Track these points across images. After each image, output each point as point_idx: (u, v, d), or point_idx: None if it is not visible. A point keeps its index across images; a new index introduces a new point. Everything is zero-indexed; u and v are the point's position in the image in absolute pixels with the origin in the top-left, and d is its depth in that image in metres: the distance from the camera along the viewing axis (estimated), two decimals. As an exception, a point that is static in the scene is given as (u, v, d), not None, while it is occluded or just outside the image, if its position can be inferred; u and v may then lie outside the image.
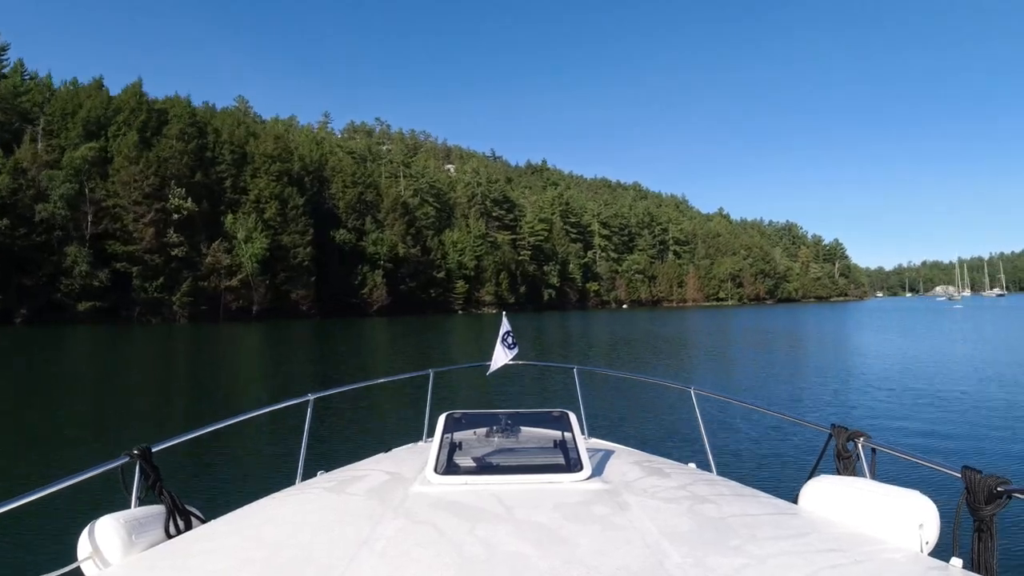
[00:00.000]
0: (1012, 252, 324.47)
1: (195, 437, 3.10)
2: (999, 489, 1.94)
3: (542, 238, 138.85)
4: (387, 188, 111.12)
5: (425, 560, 1.88)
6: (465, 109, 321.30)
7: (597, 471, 2.81)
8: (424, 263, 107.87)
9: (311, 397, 3.83)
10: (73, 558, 2.10)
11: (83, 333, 50.22)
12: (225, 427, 3.37)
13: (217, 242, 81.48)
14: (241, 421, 3.52)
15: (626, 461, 3.20)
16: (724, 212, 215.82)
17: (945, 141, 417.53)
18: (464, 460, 2.92)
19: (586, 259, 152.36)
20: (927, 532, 2.02)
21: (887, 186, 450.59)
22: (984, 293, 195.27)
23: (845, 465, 2.65)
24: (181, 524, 2.46)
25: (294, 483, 3.22)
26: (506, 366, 5.17)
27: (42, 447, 11.48)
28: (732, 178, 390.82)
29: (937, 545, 2.03)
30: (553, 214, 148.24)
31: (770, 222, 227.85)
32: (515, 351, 5.16)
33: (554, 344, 39.75)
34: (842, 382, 19.16)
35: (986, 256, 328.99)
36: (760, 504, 2.51)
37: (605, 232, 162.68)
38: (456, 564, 1.84)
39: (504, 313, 6.03)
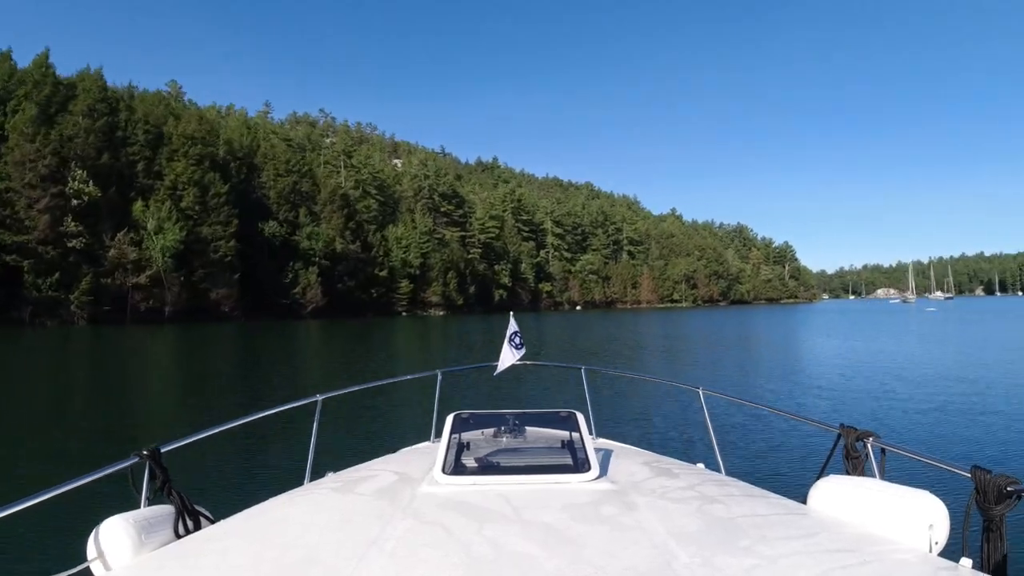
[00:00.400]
0: (951, 256, 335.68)
1: (204, 438, 3.09)
2: (1009, 489, 1.94)
3: (493, 236, 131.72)
4: (325, 178, 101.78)
5: (433, 560, 1.88)
6: (413, 105, 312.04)
7: (605, 471, 2.77)
8: (365, 260, 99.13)
9: (319, 398, 3.85)
10: (83, 558, 2.09)
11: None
12: (234, 428, 3.36)
13: (123, 232, 71.53)
14: (250, 422, 3.52)
15: (634, 461, 3.18)
16: (677, 213, 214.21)
17: (883, 147, 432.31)
18: (472, 460, 2.91)
19: (539, 258, 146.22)
20: (937, 532, 2.00)
21: (829, 190, 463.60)
22: (930, 296, 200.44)
23: (854, 465, 2.63)
24: (190, 524, 2.43)
25: (303, 483, 3.20)
26: (513, 366, 5.12)
27: None
28: (682, 180, 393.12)
29: (947, 545, 2.00)
30: (505, 211, 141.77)
31: (721, 224, 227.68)
32: (522, 351, 5.12)
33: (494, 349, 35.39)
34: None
35: (925, 260, 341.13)
36: (769, 504, 2.47)
37: (558, 231, 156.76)
38: (464, 564, 1.85)
39: (512, 313, 5.75)
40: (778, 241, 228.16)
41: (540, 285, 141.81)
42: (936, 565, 1.83)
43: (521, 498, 2.42)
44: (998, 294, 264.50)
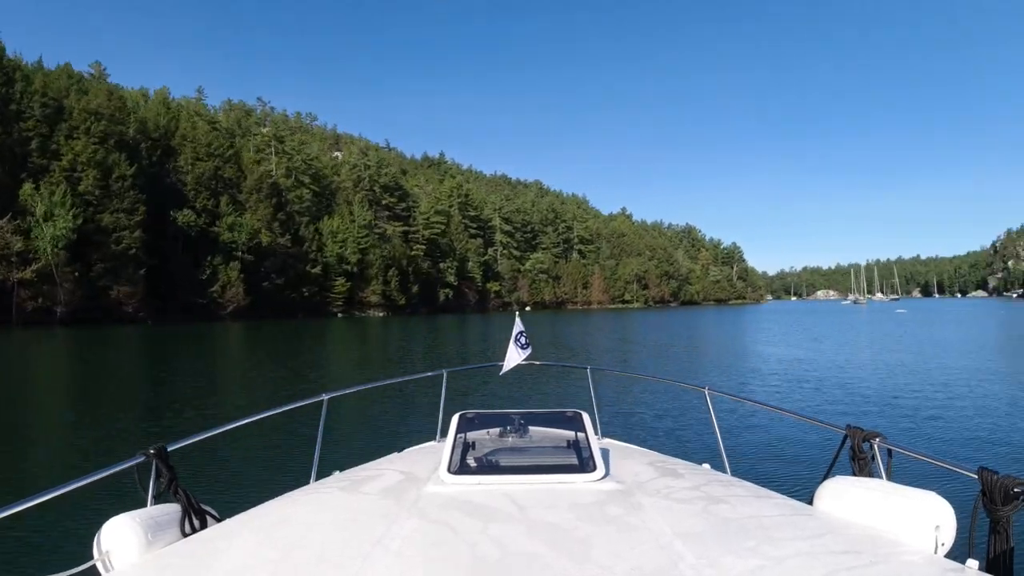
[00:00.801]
0: (888, 259, 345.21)
1: (210, 436, 3.09)
2: (1016, 490, 1.94)
3: (438, 232, 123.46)
4: (251, 164, 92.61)
5: (439, 560, 1.89)
6: (358, 99, 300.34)
7: (611, 471, 2.75)
8: (295, 255, 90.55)
9: (325, 397, 3.85)
10: (89, 556, 2.11)
11: None
12: (240, 427, 3.37)
13: (6, 219, 61.70)
14: (256, 421, 3.51)
15: (640, 461, 3.17)
16: (627, 212, 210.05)
17: (822, 152, 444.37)
18: (477, 460, 2.90)
19: (486, 256, 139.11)
20: (943, 533, 2.00)
21: (770, 193, 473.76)
22: (875, 297, 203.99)
23: (860, 466, 2.61)
24: (196, 523, 2.43)
25: (309, 482, 3.18)
26: (519, 366, 5.12)
27: None
28: (631, 180, 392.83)
29: (953, 546, 2.00)
30: (451, 206, 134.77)
31: (670, 224, 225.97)
32: (528, 351, 5.11)
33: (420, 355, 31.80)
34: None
35: (862, 262, 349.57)
36: (775, 505, 2.45)
37: (507, 228, 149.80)
38: (469, 564, 1.86)
39: (517, 313, 5.82)
40: (726, 242, 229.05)
41: (488, 285, 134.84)
42: (943, 566, 1.83)
43: (526, 498, 2.41)
44: (936, 296, 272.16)
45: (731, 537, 2.03)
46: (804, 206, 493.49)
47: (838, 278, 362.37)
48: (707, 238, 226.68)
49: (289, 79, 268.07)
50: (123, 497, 2.55)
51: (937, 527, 2.00)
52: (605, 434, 4.26)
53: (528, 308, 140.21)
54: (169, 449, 2.62)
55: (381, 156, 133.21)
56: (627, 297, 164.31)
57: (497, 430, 3.28)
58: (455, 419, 3.24)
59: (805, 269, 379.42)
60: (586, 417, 3.26)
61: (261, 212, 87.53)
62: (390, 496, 2.58)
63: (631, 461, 3.14)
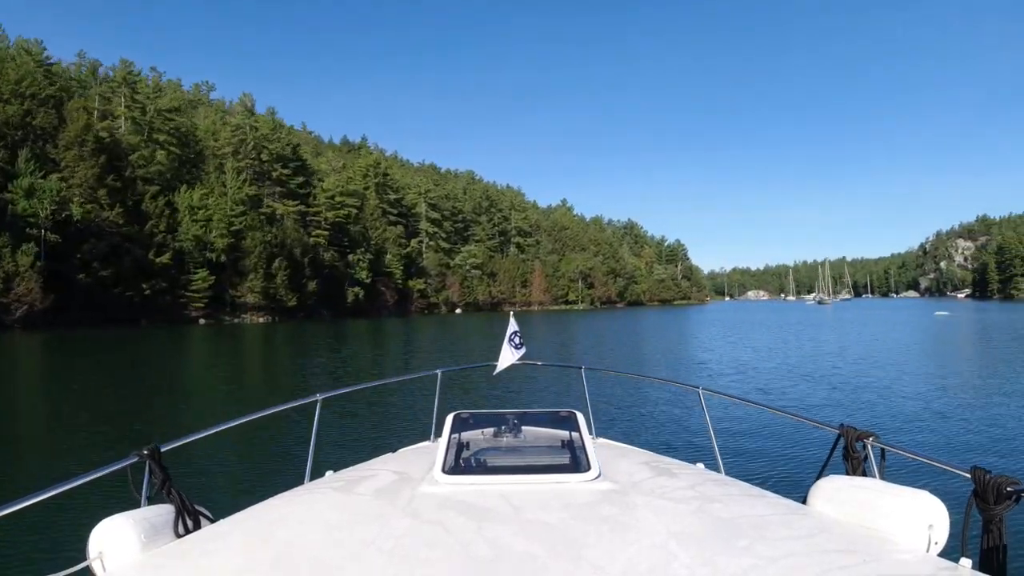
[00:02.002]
0: (816, 260, 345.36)
1: (204, 437, 3.06)
2: (1009, 489, 1.94)
3: (347, 216, 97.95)
4: (74, 110, 65.36)
5: (433, 560, 1.90)
6: (266, 79, 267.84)
7: (605, 471, 2.75)
8: (132, 237, 64.55)
9: (319, 397, 3.77)
10: (83, 557, 2.09)
11: None
12: (234, 427, 3.32)
13: None
14: (250, 421, 3.46)
15: (634, 461, 3.18)
16: (568, 204, 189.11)
17: (755, 152, 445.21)
18: (472, 460, 2.93)
19: (409, 249, 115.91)
20: (936, 532, 2.01)
21: (700, 193, 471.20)
22: (808, 298, 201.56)
23: (854, 465, 2.61)
24: (190, 524, 2.41)
25: (302, 483, 3.17)
26: (513, 366, 5.08)
27: None
28: (568, 171, 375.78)
29: (946, 545, 2.02)
30: (367, 187, 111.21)
31: (610, 220, 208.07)
32: (522, 351, 5.07)
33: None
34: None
35: (790, 264, 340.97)
36: (769, 504, 2.48)
37: (435, 215, 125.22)
38: (464, 564, 1.86)
39: (512, 313, 5.65)
40: (670, 239, 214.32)
41: (411, 282, 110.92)
42: (936, 565, 1.85)
43: (521, 498, 2.42)
44: (866, 296, 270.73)
45: (725, 536, 2.04)
46: (731, 207, 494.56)
47: (768, 279, 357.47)
48: (649, 235, 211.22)
49: (191, 54, 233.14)
50: (117, 498, 2.54)
51: (930, 526, 2.00)
52: (599, 434, 4.19)
53: (459, 309, 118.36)
54: (163, 449, 2.57)
55: (284, 129, 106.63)
56: (571, 297, 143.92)
57: (491, 430, 3.31)
58: (449, 419, 3.26)
59: (735, 270, 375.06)
60: (580, 417, 3.27)
61: (82, 175, 61.71)
62: (384, 496, 2.58)
63: (625, 461, 3.15)
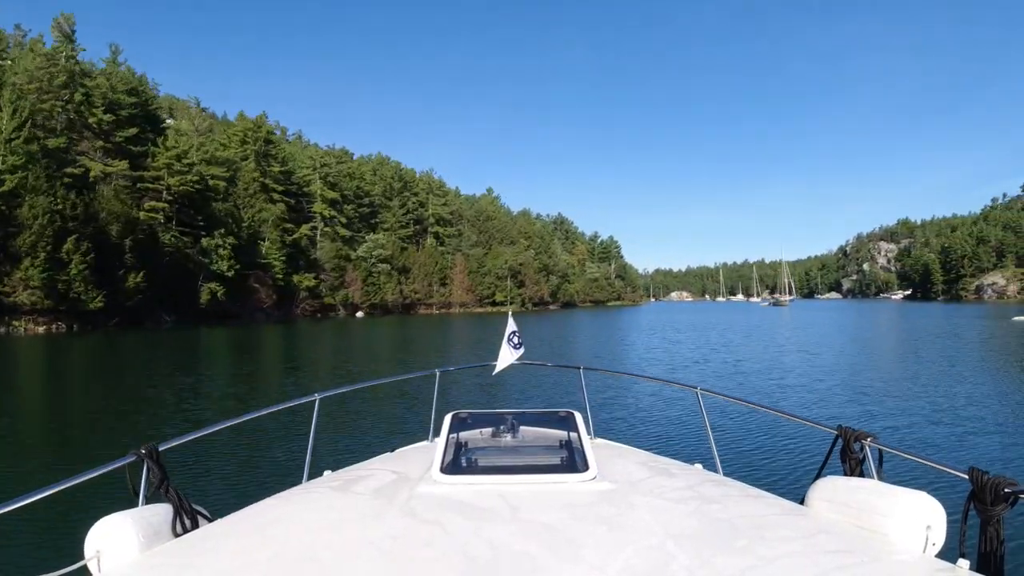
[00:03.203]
0: (735, 262, 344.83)
1: (202, 436, 3.05)
2: (1007, 490, 1.94)
3: (204, 186, 72.65)
4: None
5: (431, 560, 1.90)
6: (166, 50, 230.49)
7: (603, 471, 2.74)
8: None
9: (317, 397, 3.73)
10: (80, 556, 2.09)
11: None
12: (232, 426, 3.34)
13: None
14: (247, 420, 3.47)
15: (632, 461, 3.18)
16: (494, 194, 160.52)
17: (671, 155, 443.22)
18: (470, 460, 2.92)
19: (297, 235, 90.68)
20: (934, 533, 2.02)
21: (623, 191, 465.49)
22: (735, 298, 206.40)
23: (852, 466, 2.60)
24: (188, 523, 2.40)
25: (300, 482, 3.15)
26: (512, 366, 5.03)
27: None
28: (493, 159, 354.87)
29: (944, 546, 2.02)
30: (246, 154, 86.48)
31: (539, 215, 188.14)
32: (521, 351, 5.03)
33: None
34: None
35: (711, 265, 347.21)
36: (767, 505, 2.48)
37: (333, 195, 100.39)
38: (462, 564, 1.86)
39: (511, 313, 5.66)
40: (603, 235, 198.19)
41: (297, 277, 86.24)
42: (934, 566, 1.86)
43: (519, 498, 2.42)
44: (794, 298, 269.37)
45: (723, 537, 2.04)
46: (654, 207, 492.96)
47: (691, 280, 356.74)
48: (579, 231, 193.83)
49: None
50: (114, 497, 2.52)
51: (928, 527, 2.00)
52: (598, 434, 4.18)
53: (360, 313, 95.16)
54: (160, 448, 2.57)
55: (126, 75, 78.93)
56: (499, 297, 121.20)
57: (490, 430, 3.29)
58: (448, 419, 3.25)
59: (658, 271, 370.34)
60: (579, 417, 3.27)
61: None
62: (382, 496, 2.56)
63: (623, 461, 3.15)
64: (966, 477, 2.05)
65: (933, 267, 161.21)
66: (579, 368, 5.18)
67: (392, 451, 3.87)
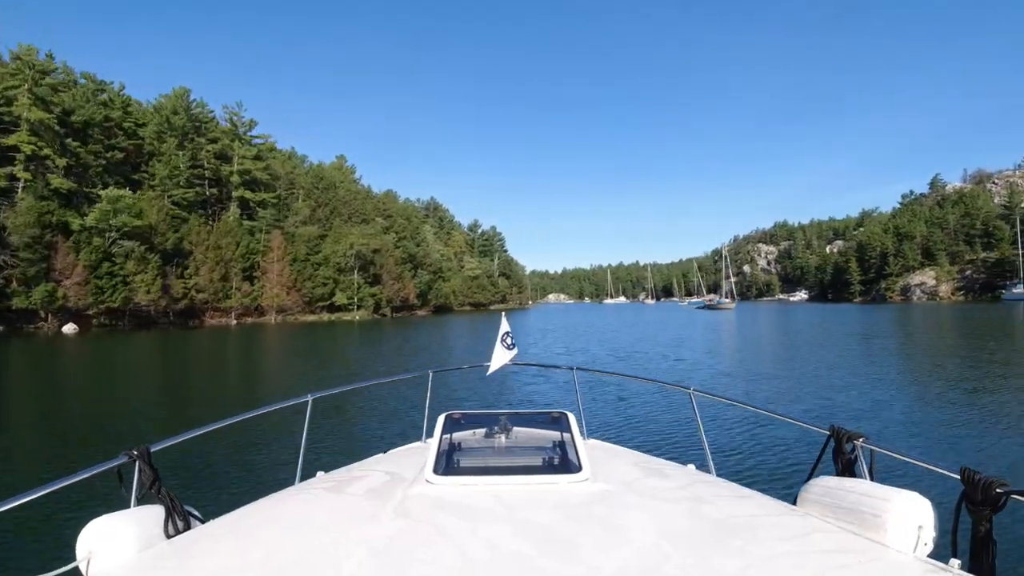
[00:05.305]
0: (609, 264, 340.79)
1: (194, 437, 3.03)
2: (998, 490, 1.94)
3: None
4: None
5: (425, 561, 1.90)
6: None
7: (596, 472, 2.75)
8: None
9: (310, 397, 3.74)
10: (71, 557, 2.08)
11: None
12: (224, 427, 3.29)
13: None
14: (240, 421, 3.44)
15: (625, 462, 3.17)
16: (349, 164, 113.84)
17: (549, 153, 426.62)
18: (463, 461, 2.91)
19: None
20: (926, 533, 2.02)
21: (499, 189, 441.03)
22: (618, 299, 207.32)
23: (844, 466, 2.60)
24: (180, 524, 2.39)
25: (293, 483, 3.16)
26: (505, 367, 4.98)
27: None
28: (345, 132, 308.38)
29: (936, 546, 2.03)
30: None
31: (408, 199, 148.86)
32: (514, 352, 4.97)
33: None
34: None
35: (587, 267, 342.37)
36: (759, 505, 2.49)
37: (45, 117, 56.39)
38: (456, 564, 1.86)
39: (504, 313, 5.76)
40: (485, 226, 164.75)
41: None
42: (925, 566, 1.87)
43: (513, 498, 2.42)
44: (674, 299, 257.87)
45: (716, 537, 2.05)
46: (529, 208, 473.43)
47: (567, 282, 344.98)
48: (456, 220, 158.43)
49: None
50: (106, 498, 2.51)
51: (920, 527, 2.00)
52: (591, 435, 4.13)
53: (70, 328, 53.34)
54: (152, 450, 2.56)
55: None
56: (341, 299, 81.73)
57: (483, 431, 3.27)
58: (441, 420, 3.23)
59: (534, 272, 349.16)
60: (572, 418, 3.26)
61: None
62: (375, 497, 2.55)
63: (617, 461, 3.13)
64: (958, 477, 2.04)
65: (851, 266, 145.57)
66: (572, 369, 5.13)
67: (385, 452, 3.81)
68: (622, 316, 79.98)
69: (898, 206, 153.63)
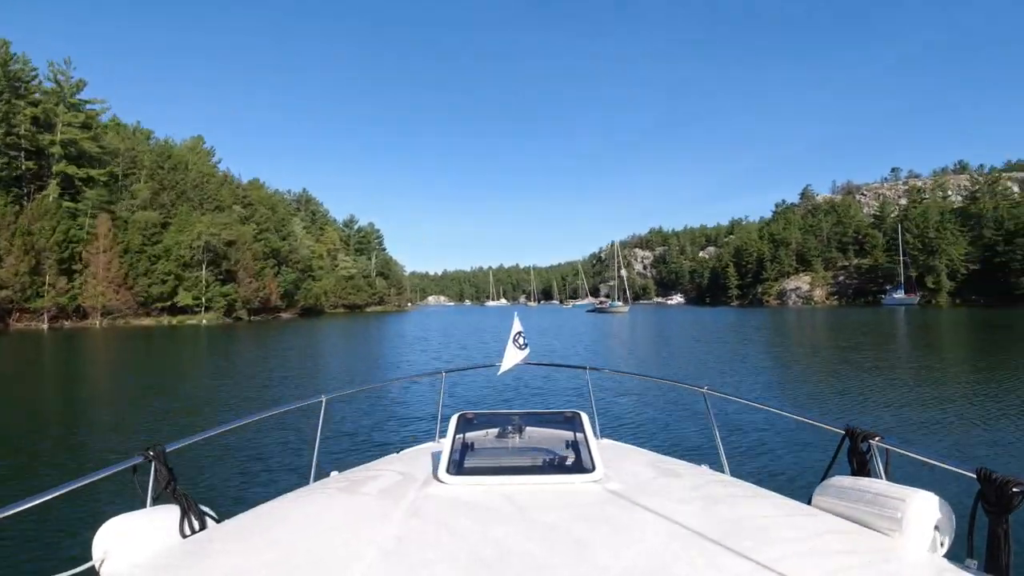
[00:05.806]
0: (489, 267, 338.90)
1: (209, 437, 3.07)
2: (1015, 490, 1.92)
3: None
4: None
5: (438, 560, 1.91)
6: None
7: (609, 472, 2.76)
8: None
9: (324, 398, 3.76)
10: (88, 557, 2.09)
11: None
12: (239, 427, 3.34)
13: None
14: (254, 421, 3.46)
15: (638, 462, 3.18)
16: (206, 146, 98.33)
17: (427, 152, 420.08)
18: (476, 460, 2.91)
19: None
20: (942, 533, 2.03)
21: (378, 186, 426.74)
22: (500, 302, 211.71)
23: (859, 466, 2.58)
24: (195, 524, 2.40)
25: (307, 483, 3.19)
26: (517, 366, 4.99)
27: None
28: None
29: (952, 547, 2.03)
30: None
31: (278, 190, 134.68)
32: (526, 352, 5.01)
33: None
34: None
35: (467, 269, 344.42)
36: (774, 505, 2.49)
37: None
38: (468, 564, 1.87)
39: (516, 313, 5.74)
40: (362, 222, 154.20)
41: None
42: (941, 566, 1.87)
43: (525, 498, 2.43)
44: (555, 302, 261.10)
45: (730, 537, 2.04)
46: (406, 208, 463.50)
47: (447, 283, 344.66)
48: (330, 215, 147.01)
49: None
50: (122, 498, 2.55)
51: (936, 527, 2.00)
52: (604, 434, 4.17)
53: None
54: (168, 450, 2.58)
55: None
56: (185, 299, 70.10)
57: (496, 431, 3.27)
58: (454, 419, 3.22)
59: (413, 273, 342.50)
60: (585, 417, 3.24)
61: None
62: (389, 497, 2.57)
63: (630, 461, 3.13)
64: (974, 477, 2.01)
65: (730, 270, 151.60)
66: (585, 368, 5.14)
67: (398, 452, 3.82)
68: (509, 321, 75.41)
69: (770, 215, 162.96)
